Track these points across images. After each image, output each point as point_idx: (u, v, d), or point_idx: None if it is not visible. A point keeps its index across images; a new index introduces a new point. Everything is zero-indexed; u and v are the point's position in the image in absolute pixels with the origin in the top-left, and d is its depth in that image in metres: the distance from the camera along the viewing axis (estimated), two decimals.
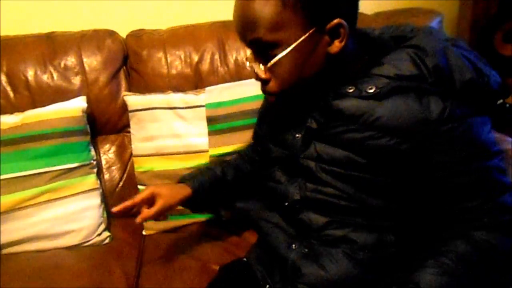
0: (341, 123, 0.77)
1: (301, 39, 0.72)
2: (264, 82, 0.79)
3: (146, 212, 0.95)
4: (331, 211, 0.81)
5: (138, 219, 0.95)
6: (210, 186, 1.02)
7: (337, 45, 0.74)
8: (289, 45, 0.72)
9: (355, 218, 0.80)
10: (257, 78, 0.79)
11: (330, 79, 0.78)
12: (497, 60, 1.64)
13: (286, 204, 0.86)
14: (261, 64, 0.77)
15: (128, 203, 0.96)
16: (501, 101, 1.69)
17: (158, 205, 0.95)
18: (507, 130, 1.29)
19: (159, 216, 0.97)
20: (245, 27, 0.74)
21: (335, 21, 0.72)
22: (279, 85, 0.77)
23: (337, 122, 0.78)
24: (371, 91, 0.74)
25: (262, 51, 0.76)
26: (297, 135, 0.84)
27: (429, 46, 0.74)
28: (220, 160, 1.10)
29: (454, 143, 0.73)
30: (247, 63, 0.82)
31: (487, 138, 0.76)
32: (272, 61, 0.74)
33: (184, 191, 0.99)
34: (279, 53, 0.73)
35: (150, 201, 0.96)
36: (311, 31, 0.72)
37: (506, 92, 1.67)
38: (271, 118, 0.93)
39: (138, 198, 0.96)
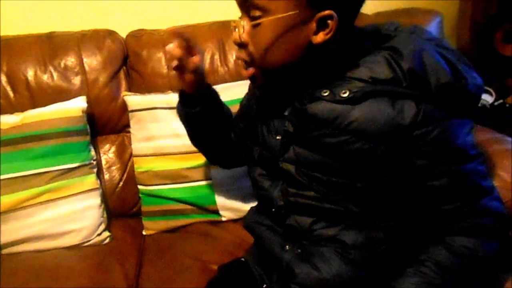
0: (316, 127, 0.76)
1: (289, 13, 0.71)
2: (241, 46, 0.78)
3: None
4: (317, 213, 0.80)
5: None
6: (217, 109, 1.01)
7: (321, 37, 0.73)
8: (276, 15, 0.71)
9: (341, 219, 0.79)
10: (237, 42, 0.78)
11: (307, 76, 0.77)
12: (497, 60, 1.64)
13: (273, 210, 0.86)
14: (244, 23, 0.76)
15: (185, 35, 0.94)
16: (501, 101, 1.70)
17: (198, 57, 0.93)
18: (507, 130, 1.29)
19: (190, 64, 0.92)
20: None
21: (328, 11, 0.71)
22: (254, 53, 0.76)
23: (313, 126, 0.77)
24: (345, 95, 0.73)
25: (249, 12, 0.74)
26: (277, 137, 0.84)
27: (405, 48, 0.73)
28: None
29: (429, 147, 0.72)
30: (233, 27, 0.80)
31: (464, 141, 0.74)
32: (254, 22, 0.73)
33: (204, 85, 0.98)
34: (262, 18, 0.72)
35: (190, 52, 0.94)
36: (301, 10, 0.71)
37: (505, 93, 1.67)
38: (253, 117, 0.93)
39: (193, 42, 0.94)
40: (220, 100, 1.03)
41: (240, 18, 0.78)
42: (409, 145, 0.72)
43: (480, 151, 0.77)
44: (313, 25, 0.72)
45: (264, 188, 0.88)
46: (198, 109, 0.97)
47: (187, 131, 1.07)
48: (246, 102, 1.01)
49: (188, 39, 0.92)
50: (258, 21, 0.73)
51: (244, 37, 0.76)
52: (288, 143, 0.81)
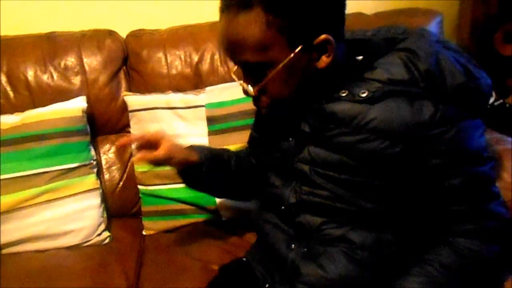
0: (334, 126, 0.77)
1: (288, 58, 0.72)
2: (254, 99, 0.80)
3: (145, 153, 0.89)
4: (328, 212, 0.81)
5: (136, 158, 0.90)
6: (214, 165, 0.97)
7: (324, 60, 0.74)
8: (277, 64, 0.72)
9: (352, 219, 0.80)
10: (247, 94, 0.79)
11: (322, 86, 0.78)
12: (497, 60, 1.64)
13: (283, 207, 0.86)
14: (249, 85, 0.77)
15: (134, 136, 0.93)
16: (501, 101, 1.70)
17: (161, 149, 0.88)
18: (507, 130, 1.29)
19: (157, 161, 0.90)
20: (231, 49, 0.74)
21: (322, 37, 0.72)
22: (269, 101, 0.78)
23: (330, 125, 0.78)
24: (364, 95, 0.75)
25: (250, 69, 0.76)
26: (290, 139, 0.84)
27: (421, 49, 0.74)
28: (228, 149, 1.09)
29: (444, 147, 0.73)
30: (235, 77, 0.82)
31: (478, 143, 0.76)
32: (261, 83, 0.75)
33: (191, 154, 0.94)
34: (267, 73, 0.73)
35: (154, 145, 0.90)
36: (298, 49, 0.72)
37: (505, 93, 1.68)
38: (266, 122, 0.93)
39: (146, 136, 0.91)
40: (215, 153, 1.01)
41: (238, 69, 0.79)
42: (425, 144, 0.73)
43: (491, 155, 0.78)
44: (313, 54, 0.74)
45: (275, 185, 0.89)
46: (202, 176, 0.95)
47: (212, 195, 1.11)
48: (257, 111, 1.01)
49: (140, 138, 0.92)
50: (262, 83, 0.74)
51: (255, 94, 0.78)
52: (303, 144, 0.82)
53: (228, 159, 1.02)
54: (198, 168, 0.94)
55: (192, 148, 0.97)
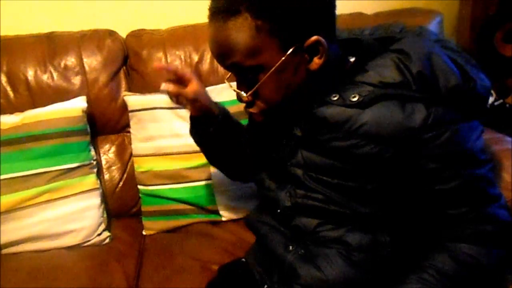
0: (326, 131, 0.76)
1: (280, 61, 0.71)
2: (248, 104, 0.79)
3: (176, 87, 0.88)
4: (323, 215, 0.80)
5: (167, 88, 0.87)
6: (227, 125, 0.98)
7: (316, 62, 0.73)
8: (269, 68, 0.72)
9: (347, 221, 0.79)
10: (240, 100, 0.79)
11: (314, 89, 0.78)
12: (497, 60, 1.64)
13: (279, 210, 0.86)
14: (242, 91, 0.77)
15: (171, 66, 0.95)
16: (501, 101, 1.70)
17: (190, 89, 0.88)
18: (507, 130, 1.29)
19: (185, 98, 0.89)
20: (222, 54, 0.74)
21: (313, 38, 0.71)
22: (263, 106, 0.78)
23: (322, 130, 0.77)
24: (355, 99, 0.73)
25: (242, 74, 0.76)
26: (284, 142, 0.84)
27: (413, 51, 0.73)
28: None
29: (439, 150, 0.72)
30: (228, 83, 0.81)
31: (474, 145, 0.74)
32: (254, 87, 0.74)
33: (212, 105, 0.94)
34: (259, 77, 0.73)
35: (183, 82, 0.89)
36: (289, 52, 0.71)
37: (505, 93, 1.68)
38: (259, 125, 0.93)
39: (180, 71, 0.90)
40: (231, 115, 1.01)
41: (231, 75, 0.79)
42: (419, 148, 0.72)
43: (489, 156, 0.77)
44: (305, 56, 0.73)
45: (270, 189, 0.88)
46: (212, 129, 0.94)
47: (205, 154, 1.06)
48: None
49: (175, 69, 0.90)
50: (255, 87, 0.74)
51: (248, 99, 0.77)
52: (296, 148, 0.82)
53: (240, 131, 1.01)
54: (212, 120, 0.94)
55: (214, 102, 0.97)
